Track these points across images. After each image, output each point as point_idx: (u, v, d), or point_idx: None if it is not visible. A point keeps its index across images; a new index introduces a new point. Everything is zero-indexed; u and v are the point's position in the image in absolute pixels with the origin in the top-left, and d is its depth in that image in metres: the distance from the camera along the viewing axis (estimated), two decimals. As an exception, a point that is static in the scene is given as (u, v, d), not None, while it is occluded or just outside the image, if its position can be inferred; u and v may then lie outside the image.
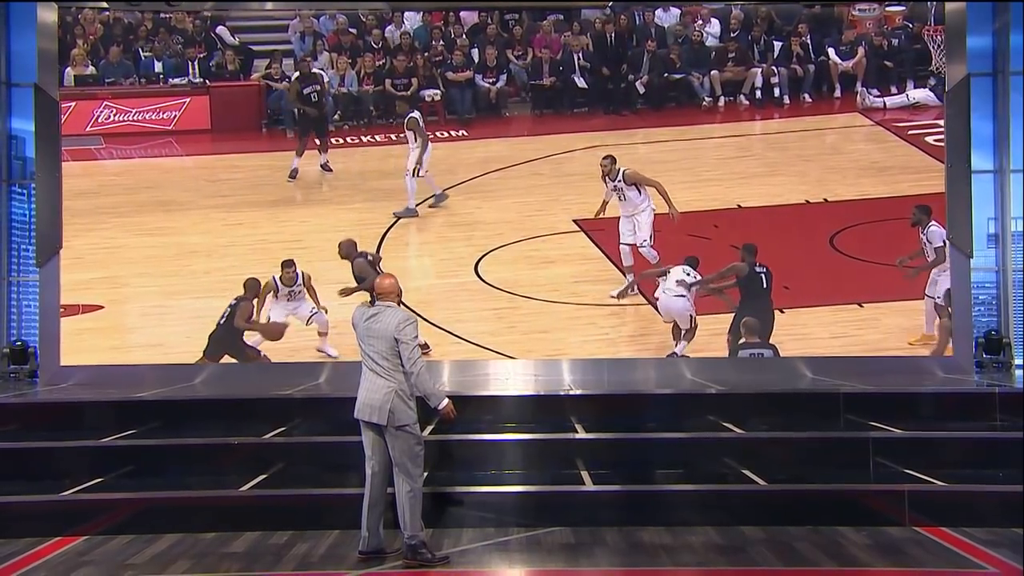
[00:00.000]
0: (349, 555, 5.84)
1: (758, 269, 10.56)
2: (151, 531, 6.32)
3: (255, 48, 12.08)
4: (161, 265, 11.25)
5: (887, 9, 11.52)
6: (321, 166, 11.72)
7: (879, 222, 10.98)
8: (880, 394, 8.52)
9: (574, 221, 11.30)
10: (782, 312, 10.68)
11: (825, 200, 11.19)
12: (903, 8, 11.51)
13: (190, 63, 11.94)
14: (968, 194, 11.01)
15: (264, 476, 7.02)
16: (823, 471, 7.01)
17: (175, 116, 11.93)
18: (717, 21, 11.74)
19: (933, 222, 10.71)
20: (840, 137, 11.80)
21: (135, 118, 11.86)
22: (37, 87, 11.13)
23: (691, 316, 10.57)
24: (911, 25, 11.50)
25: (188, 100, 11.89)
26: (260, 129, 12.05)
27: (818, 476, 6.93)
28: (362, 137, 11.98)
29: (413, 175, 11.31)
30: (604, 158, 10.82)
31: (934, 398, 8.56)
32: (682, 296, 10.49)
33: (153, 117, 11.91)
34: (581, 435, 7.59)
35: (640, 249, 10.76)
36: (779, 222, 11.05)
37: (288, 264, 10.78)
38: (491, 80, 11.79)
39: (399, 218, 11.36)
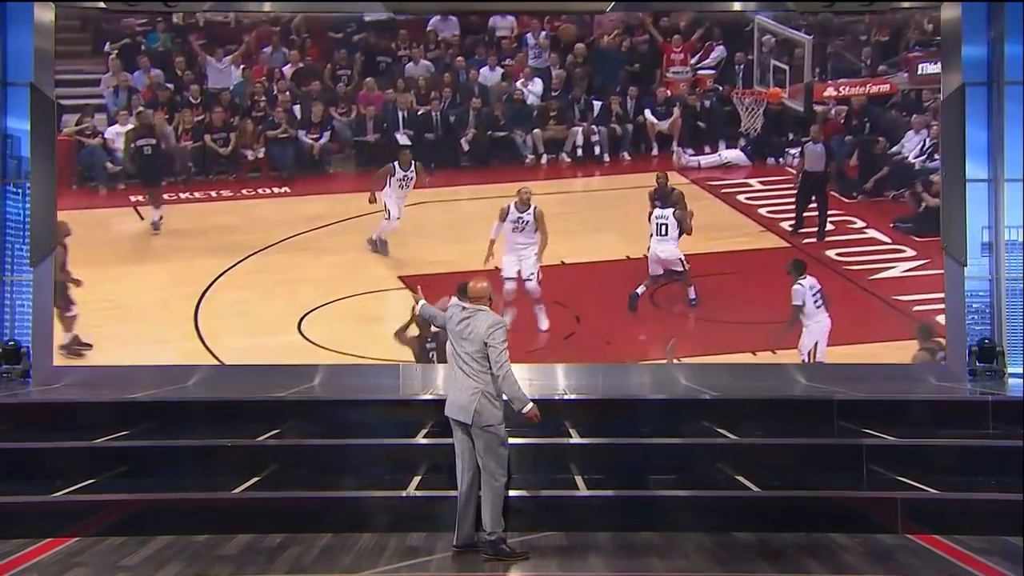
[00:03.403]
0: (342, 558, 5.83)
1: None
2: (143, 532, 6.31)
3: (65, 103, 11.41)
4: None
5: (699, 72, 11.83)
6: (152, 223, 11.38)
7: (698, 278, 11.09)
8: (874, 401, 8.54)
9: (399, 278, 11.18)
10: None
11: (645, 256, 11.20)
12: (713, 72, 11.82)
13: None
14: (963, 203, 11.09)
15: (257, 478, 7.01)
16: (816, 477, 7.03)
17: (-22, 173, 11.30)
18: (540, 80, 11.84)
19: (802, 279, 10.83)
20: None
21: None
22: (33, 86, 11.14)
23: (680, 259, 11.02)
24: (720, 88, 11.82)
25: None
26: (71, 186, 11.36)
27: (811, 482, 6.95)
28: (180, 194, 11.49)
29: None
30: (523, 191, 10.99)
31: (928, 405, 8.58)
32: (666, 239, 10.98)
33: (-45, 175, 11.30)
34: (575, 440, 7.59)
35: (527, 283, 10.91)
36: (601, 278, 11.15)
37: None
38: (314, 136, 11.64)
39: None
